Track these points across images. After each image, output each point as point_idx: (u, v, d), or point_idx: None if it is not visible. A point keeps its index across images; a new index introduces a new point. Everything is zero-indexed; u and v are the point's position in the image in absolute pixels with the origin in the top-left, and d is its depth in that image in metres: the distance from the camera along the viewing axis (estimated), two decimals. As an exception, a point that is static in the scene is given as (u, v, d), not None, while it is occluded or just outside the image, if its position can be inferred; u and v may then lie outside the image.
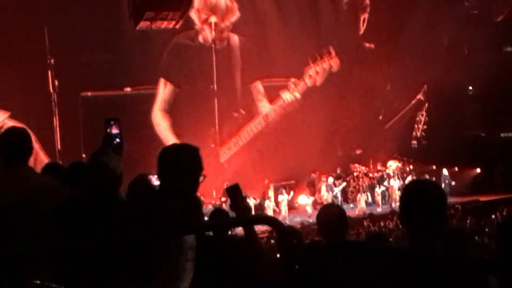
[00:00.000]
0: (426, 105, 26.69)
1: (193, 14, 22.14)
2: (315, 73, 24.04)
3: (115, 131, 4.08)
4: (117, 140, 4.06)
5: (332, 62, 24.25)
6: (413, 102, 26.88)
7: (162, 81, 22.27)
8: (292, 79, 23.94)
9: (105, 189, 3.49)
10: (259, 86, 23.78)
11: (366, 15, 25.73)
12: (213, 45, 22.34)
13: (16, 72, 18.72)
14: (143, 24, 20.01)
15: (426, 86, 26.39)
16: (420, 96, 26.77)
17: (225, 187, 10.74)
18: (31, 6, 18.89)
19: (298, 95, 23.93)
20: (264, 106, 23.86)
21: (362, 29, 25.92)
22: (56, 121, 19.83)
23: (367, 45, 25.86)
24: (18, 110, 18.54)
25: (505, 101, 24.41)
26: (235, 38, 23.14)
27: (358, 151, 25.49)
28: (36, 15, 18.93)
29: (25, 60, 18.96)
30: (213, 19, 22.37)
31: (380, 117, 26.53)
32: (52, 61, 19.48)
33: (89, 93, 20.63)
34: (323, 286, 3.73)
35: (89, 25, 19.74)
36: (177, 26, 21.75)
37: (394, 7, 24.84)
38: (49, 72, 19.59)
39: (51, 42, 19.38)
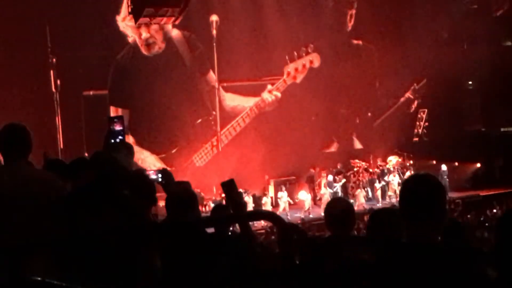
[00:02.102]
0: (416, 102, 26.52)
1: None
2: (294, 71, 23.90)
3: (118, 127, 4.10)
4: (120, 137, 4.09)
5: (312, 58, 24.11)
6: (401, 100, 26.62)
7: (112, 110, 20.92)
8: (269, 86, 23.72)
9: (113, 182, 3.51)
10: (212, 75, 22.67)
11: (353, 11, 25.49)
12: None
13: (18, 71, 18.74)
14: (142, 20, 19.94)
15: (416, 84, 26.33)
16: (409, 94, 26.61)
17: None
18: (33, 5, 18.86)
19: (278, 94, 23.82)
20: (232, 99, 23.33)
21: (349, 26, 25.67)
22: (58, 121, 19.79)
23: (354, 41, 25.59)
24: (21, 110, 18.50)
25: (505, 95, 24.38)
26: (175, 33, 22.00)
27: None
28: (38, 14, 18.94)
29: (27, 60, 18.98)
30: (214, 17, 21.99)
31: (369, 114, 26.39)
32: (54, 60, 19.46)
33: (91, 92, 20.62)
34: (323, 280, 3.75)
35: (90, 23, 19.72)
36: (177, 22, 21.68)
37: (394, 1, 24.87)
38: (51, 72, 19.58)
39: (53, 42, 19.40)
